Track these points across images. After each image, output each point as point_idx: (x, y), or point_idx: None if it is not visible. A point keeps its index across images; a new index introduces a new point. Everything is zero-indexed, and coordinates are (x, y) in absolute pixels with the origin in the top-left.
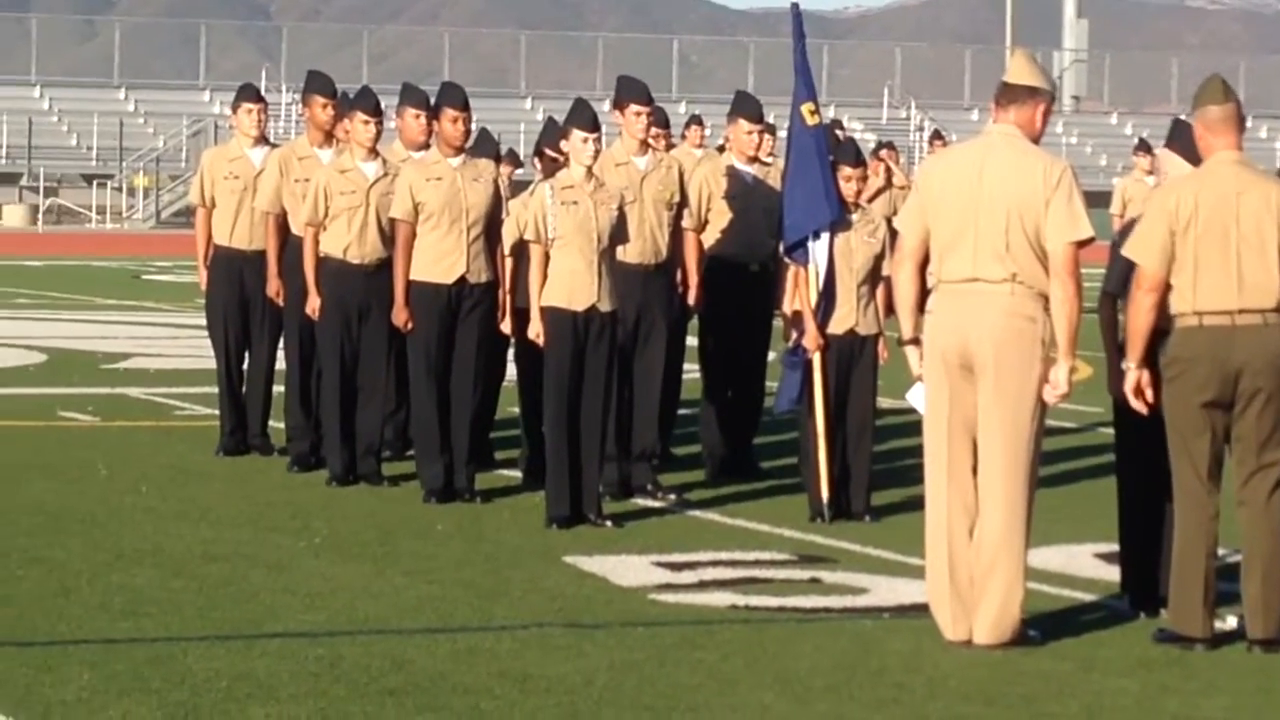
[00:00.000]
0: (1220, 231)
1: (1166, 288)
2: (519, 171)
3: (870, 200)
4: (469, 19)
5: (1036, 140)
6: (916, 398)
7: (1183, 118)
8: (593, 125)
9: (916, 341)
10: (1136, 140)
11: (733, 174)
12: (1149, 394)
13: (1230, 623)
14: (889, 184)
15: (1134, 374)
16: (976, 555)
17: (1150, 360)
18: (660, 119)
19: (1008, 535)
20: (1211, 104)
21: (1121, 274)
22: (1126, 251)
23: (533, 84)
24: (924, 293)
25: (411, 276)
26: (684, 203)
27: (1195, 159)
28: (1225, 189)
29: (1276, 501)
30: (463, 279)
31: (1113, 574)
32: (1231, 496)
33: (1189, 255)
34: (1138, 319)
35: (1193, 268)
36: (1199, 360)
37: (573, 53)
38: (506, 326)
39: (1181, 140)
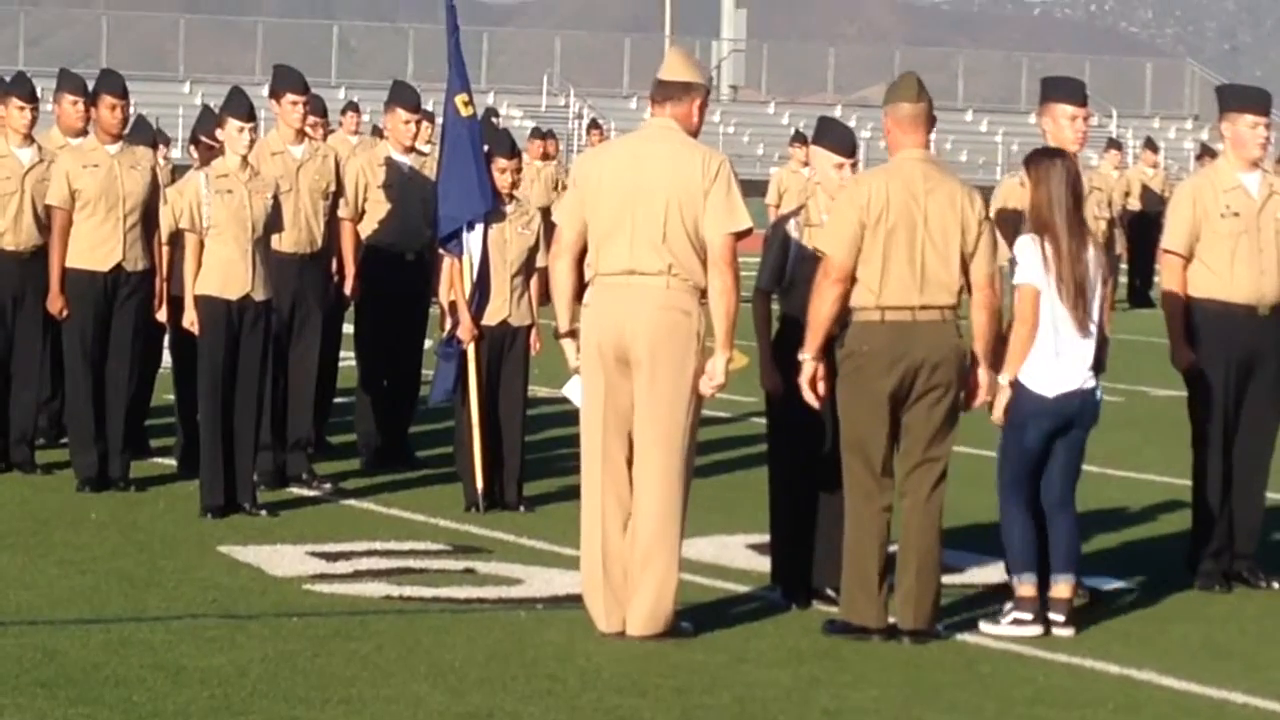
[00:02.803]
0: (908, 227)
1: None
2: (175, 155)
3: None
4: (128, 1)
5: (694, 134)
6: (573, 391)
7: (830, 115)
8: (248, 115)
9: (573, 334)
10: (793, 131)
11: (390, 163)
12: (822, 387)
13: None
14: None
15: (811, 365)
16: (631, 548)
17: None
18: (317, 107)
19: (662, 528)
20: (904, 101)
21: (774, 270)
22: (817, 243)
23: (191, 68)
24: (581, 285)
25: (67, 264)
26: (340, 192)
27: (845, 151)
28: (914, 186)
29: (938, 496)
30: (119, 266)
31: (766, 565)
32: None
33: (878, 249)
34: (822, 309)
35: (880, 262)
36: (879, 354)
37: (232, 37)
38: (162, 315)
39: (830, 136)
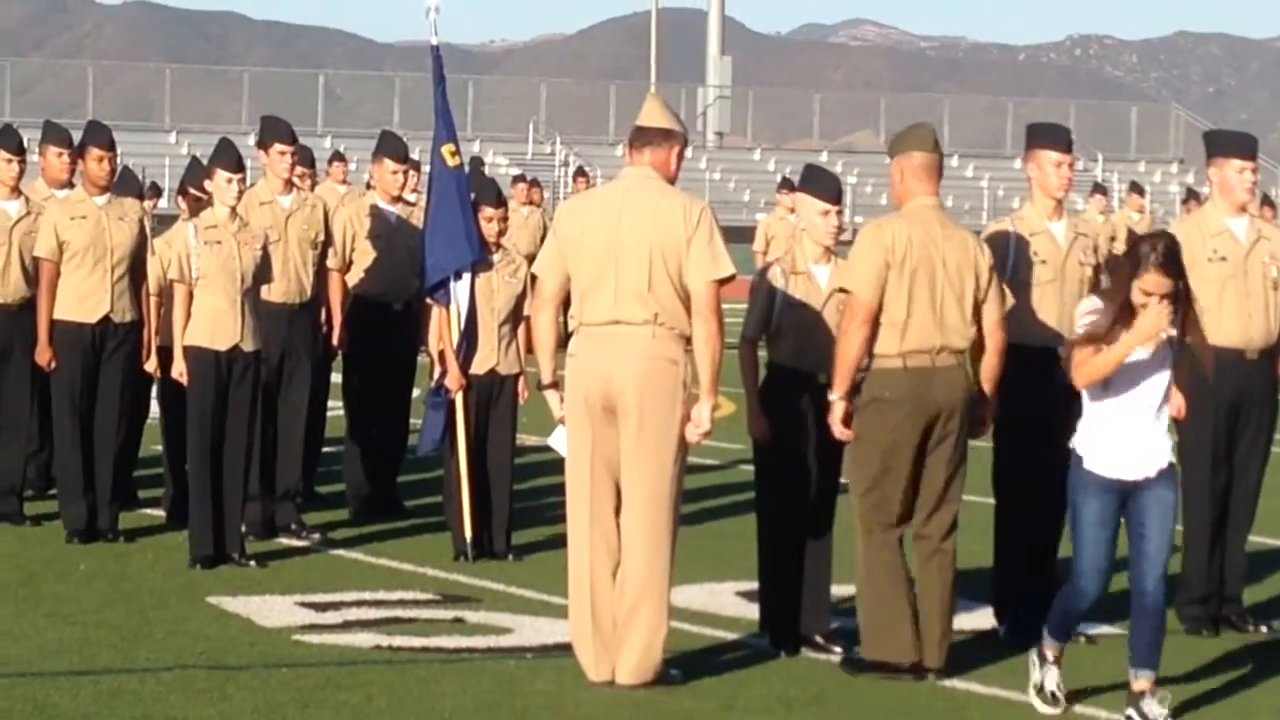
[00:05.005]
0: (928, 270)
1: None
2: (161, 204)
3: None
4: (114, 52)
5: (672, 181)
6: (558, 441)
7: (816, 161)
8: (236, 166)
9: (556, 385)
10: (780, 177)
11: (377, 213)
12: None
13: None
14: None
15: (841, 405)
16: (620, 597)
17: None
18: (305, 158)
19: (651, 577)
20: (919, 150)
21: (760, 318)
22: (842, 282)
23: (178, 117)
24: (563, 335)
25: (55, 315)
26: (328, 242)
27: (830, 198)
28: (932, 230)
29: (953, 539)
30: (106, 318)
31: (755, 612)
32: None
33: (903, 291)
34: (850, 351)
35: (905, 305)
36: (902, 401)
37: (218, 86)
38: (151, 365)
39: (816, 183)
